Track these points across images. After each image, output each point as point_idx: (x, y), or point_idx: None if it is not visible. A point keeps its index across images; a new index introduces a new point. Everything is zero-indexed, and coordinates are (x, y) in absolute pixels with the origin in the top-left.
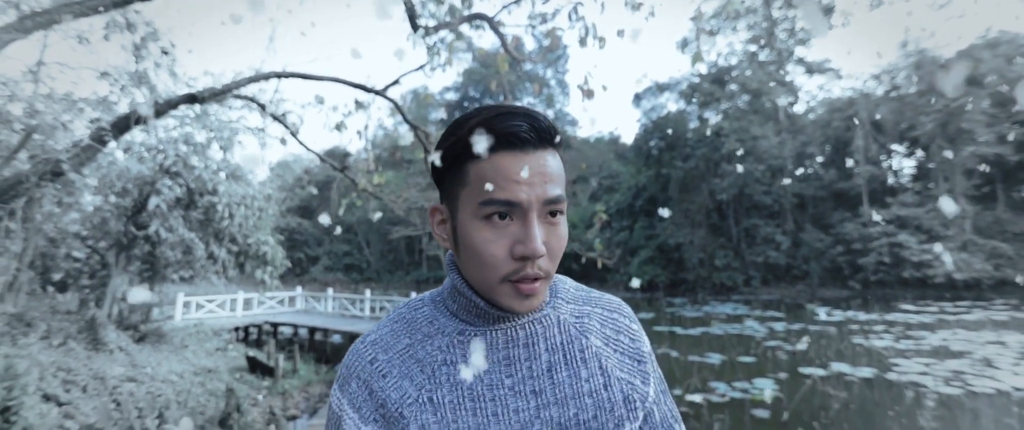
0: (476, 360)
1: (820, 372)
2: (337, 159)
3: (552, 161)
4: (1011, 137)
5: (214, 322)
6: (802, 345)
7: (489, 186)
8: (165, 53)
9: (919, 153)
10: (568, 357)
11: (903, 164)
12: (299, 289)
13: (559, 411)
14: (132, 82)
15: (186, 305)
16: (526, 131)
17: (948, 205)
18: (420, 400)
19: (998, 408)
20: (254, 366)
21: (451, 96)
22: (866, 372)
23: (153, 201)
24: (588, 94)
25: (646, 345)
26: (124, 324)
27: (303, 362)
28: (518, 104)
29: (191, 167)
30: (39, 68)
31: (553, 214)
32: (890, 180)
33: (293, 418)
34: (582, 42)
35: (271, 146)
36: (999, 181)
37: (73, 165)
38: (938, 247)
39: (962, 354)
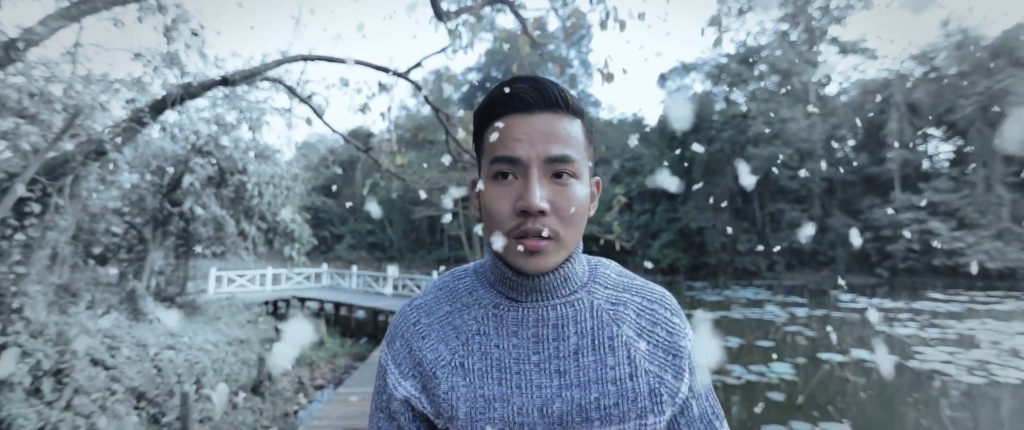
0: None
1: (839, 358)
2: (361, 140)
3: (559, 123)
4: None
5: (245, 296)
6: (831, 334)
7: (496, 150)
8: (195, 34)
9: (957, 138)
10: (596, 343)
11: (939, 149)
12: (325, 266)
13: (581, 393)
14: (164, 63)
15: (218, 280)
16: (528, 92)
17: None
18: (453, 363)
19: (1021, 398)
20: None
21: (474, 77)
22: (887, 359)
23: (187, 179)
24: (607, 77)
25: (686, 340)
26: (161, 296)
27: (329, 335)
28: (539, 75)
29: (222, 147)
30: (76, 50)
31: (559, 174)
32: (924, 165)
33: (320, 388)
34: (602, 25)
35: (297, 126)
36: None
37: (115, 145)
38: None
39: (989, 344)
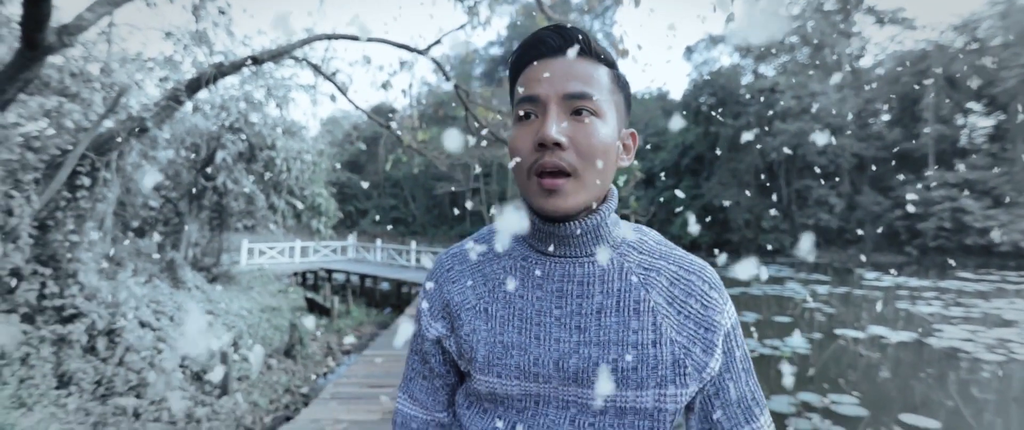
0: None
1: (856, 334)
2: (383, 116)
3: (580, 64)
4: None
5: (275, 267)
6: (846, 312)
7: (520, 89)
8: (222, 13)
9: (998, 113)
10: (621, 305)
11: (978, 124)
12: (351, 239)
13: (599, 351)
14: (193, 41)
15: (250, 252)
16: (551, 37)
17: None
18: (477, 308)
19: None
20: (312, 307)
21: (495, 51)
22: (904, 336)
23: (219, 155)
24: (622, 54)
25: (723, 316)
26: (198, 266)
27: (355, 305)
28: (569, 26)
29: (251, 123)
30: (111, 30)
31: (578, 112)
32: (962, 141)
33: (347, 353)
34: (636, 3)
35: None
36: None
37: (156, 122)
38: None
39: (1013, 323)
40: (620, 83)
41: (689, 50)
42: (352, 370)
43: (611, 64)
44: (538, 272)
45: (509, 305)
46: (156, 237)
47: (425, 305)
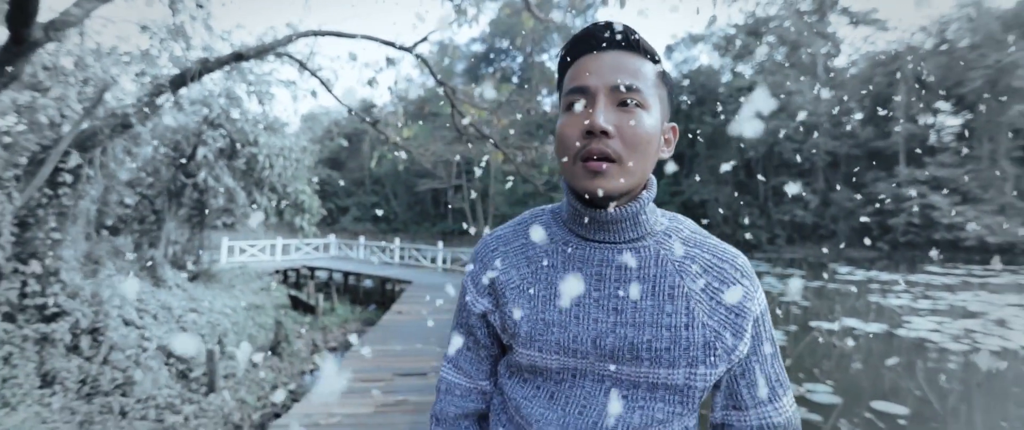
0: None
1: (830, 326)
2: (363, 112)
3: (628, 59)
4: None
5: (256, 265)
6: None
7: (568, 80)
8: (200, 6)
9: (965, 112)
10: (657, 289)
11: (946, 123)
12: (332, 237)
13: (634, 332)
14: (170, 35)
15: (230, 250)
16: (600, 31)
17: None
18: (520, 288)
19: (996, 362)
20: (296, 304)
21: (478, 48)
22: (875, 327)
23: (201, 151)
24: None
25: (754, 303)
26: (177, 264)
27: (339, 302)
28: (619, 24)
29: (232, 119)
30: (84, 23)
31: (625, 103)
32: (931, 139)
33: (333, 350)
34: (604, 1)
35: (301, 99)
36: None
37: (139, 119)
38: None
39: (978, 314)
40: (665, 79)
41: (669, 49)
42: (344, 363)
43: (656, 60)
44: (581, 255)
45: (550, 286)
46: (133, 235)
47: (471, 284)
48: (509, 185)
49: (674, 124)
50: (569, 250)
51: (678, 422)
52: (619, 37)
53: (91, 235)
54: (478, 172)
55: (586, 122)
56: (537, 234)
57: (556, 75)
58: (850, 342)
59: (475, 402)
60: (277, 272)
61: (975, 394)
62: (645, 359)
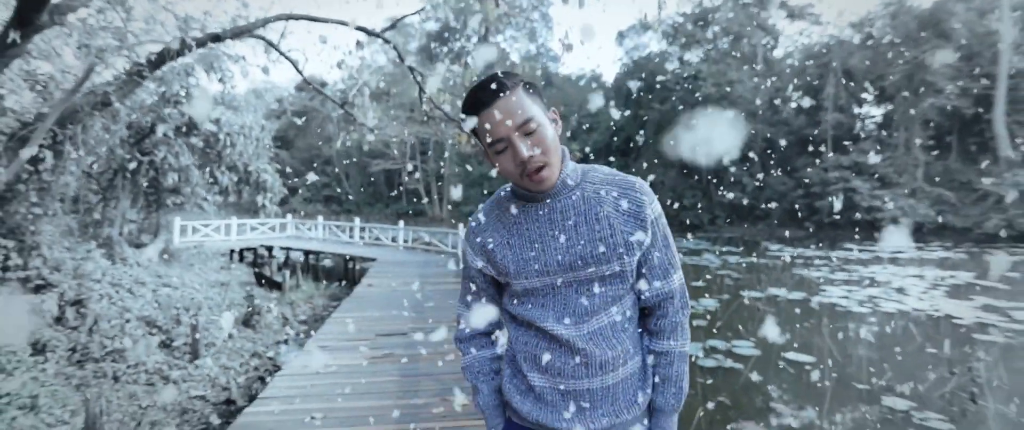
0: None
1: (757, 294)
2: (333, 94)
3: (512, 99)
4: (967, 88)
5: (211, 245)
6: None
7: (488, 136)
8: None
9: (886, 103)
10: (588, 218)
11: (870, 113)
12: (289, 217)
13: (581, 248)
14: (111, 4)
15: (183, 229)
16: (484, 94)
17: None
18: (502, 243)
19: (892, 322)
20: (260, 281)
21: (431, 26)
22: (796, 295)
23: (161, 128)
24: (567, 48)
25: (648, 209)
26: (133, 243)
27: (303, 279)
28: (490, 76)
29: (191, 96)
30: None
31: (529, 132)
32: (856, 128)
33: (303, 322)
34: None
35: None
36: (955, 132)
37: (118, 96)
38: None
39: (883, 284)
40: (531, 88)
41: (621, 35)
42: (328, 329)
43: (520, 82)
44: (534, 215)
45: (522, 236)
46: (82, 214)
47: (469, 249)
48: (472, 170)
49: (553, 108)
50: (528, 209)
51: (625, 297)
52: (497, 88)
53: (68, 211)
54: (446, 153)
55: (515, 159)
56: (505, 207)
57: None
58: (771, 309)
59: (484, 324)
60: (232, 252)
61: (873, 347)
62: (591, 263)
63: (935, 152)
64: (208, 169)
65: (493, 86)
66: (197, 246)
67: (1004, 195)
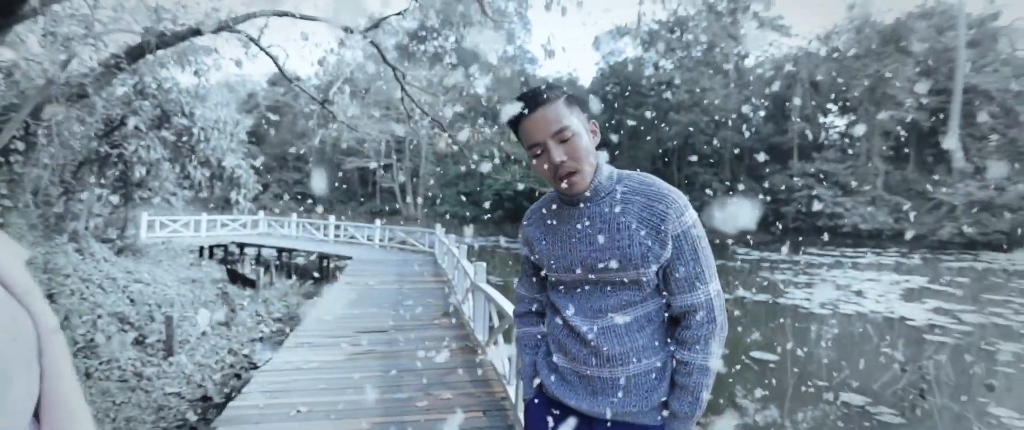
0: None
1: (726, 296)
2: (287, 85)
3: (550, 111)
4: (925, 102)
5: (180, 241)
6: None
7: (527, 141)
8: None
9: (850, 115)
10: (611, 225)
11: (834, 123)
12: (262, 214)
13: (600, 254)
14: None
15: (150, 225)
16: (528, 103)
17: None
18: (540, 237)
19: (849, 322)
20: (234, 278)
21: (408, 24)
22: (761, 297)
23: (132, 121)
24: (549, 54)
25: (670, 223)
26: (100, 238)
27: (277, 277)
28: (535, 87)
29: (165, 89)
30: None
31: (565, 139)
32: (821, 137)
33: (278, 320)
34: (547, 7)
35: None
36: (913, 144)
37: (94, 88)
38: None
39: (843, 287)
40: (572, 101)
41: (598, 40)
42: (305, 327)
43: (561, 95)
44: (567, 215)
45: (556, 233)
46: (46, 207)
47: (522, 239)
48: (443, 171)
49: (593, 119)
50: (561, 212)
51: (642, 304)
52: (539, 99)
53: (39, 203)
54: (422, 153)
55: (549, 165)
56: (549, 206)
57: (513, 130)
58: (737, 310)
59: (530, 304)
60: (202, 248)
61: (832, 346)
62: (608, 269)
63: (894, 162)
64: (180, 164)
65: (536, 96)
66: (165, 242)
67: (956, 204)
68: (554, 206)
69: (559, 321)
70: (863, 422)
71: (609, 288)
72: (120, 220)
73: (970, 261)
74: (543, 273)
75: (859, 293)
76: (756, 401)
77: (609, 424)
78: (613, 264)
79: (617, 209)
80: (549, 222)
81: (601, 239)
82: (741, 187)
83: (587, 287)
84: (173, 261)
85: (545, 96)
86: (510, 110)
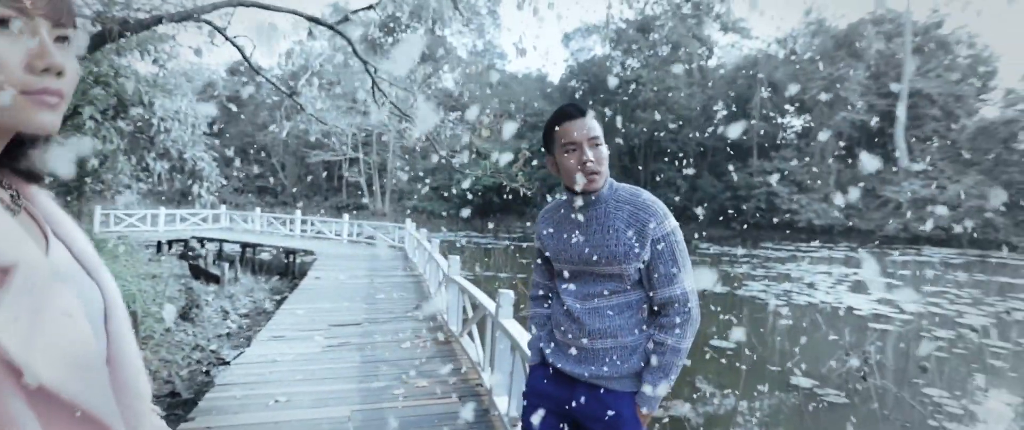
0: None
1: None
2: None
3: (590, 120)
4: (875, 104)
5: (137, 235)
6: None
7: (564, 138)
8: None
9: (806, 115)
10: (604, 227)
11: (792, 123)
12: (223, 208)
13: (592, 250)
14: None
15: (104, 219)
16: (573, 111)
17: None
18: (550, 234)
19: (802, 312)
20: (196, 273)
21: (374, 15)
22: (721, 289)
23: (87, 111)
24: (521, 52)
25: (650, 228)
26: None
27: (242, 272)
28: (574, 101)
29: (121, 78)
30: None
31: (596, 145)
32: (779, 137)
33: (245, 315)
34: (519, 6)
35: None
36: (863, 144)
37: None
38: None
39: (796, 279)
40: (599, 118)
41: (567, 37)
42: (279, 319)
43: (592, 112)
44: (573, 215)
45: (563, 228)
46: None
47: (536, 235)
48: (410, 166)
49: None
50: (568, 212)
51: (624, 293)
52: (581, 110)
53: None
54: (392, 145)
55: (580, 161)
56: (560, 204)
57: (548, 133)
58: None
59: (543, 290)
60: (160, 243)
61: (785, 334)
62: (599, 262)
63: (844, 162)
64: (138, 155)
65: (581, 106)
66: (121, 237)
67: (902, 202)
68: (562, 210)
69: (560, 303)
70: (811, 402)
71: (599, 278)
72: (72, 213)
73: (913, 255)
74: (553, 263)
75: (811, 285)
76: (714, 385)
77: (587, 385)
78: (603, 259)
79: (610, 215)
80: (557, 221)
81: (594, 238)
82: (702, 182)
83: (582, 276)
84: (131, 256)
85: (585, 109)
86: (556, 115)
